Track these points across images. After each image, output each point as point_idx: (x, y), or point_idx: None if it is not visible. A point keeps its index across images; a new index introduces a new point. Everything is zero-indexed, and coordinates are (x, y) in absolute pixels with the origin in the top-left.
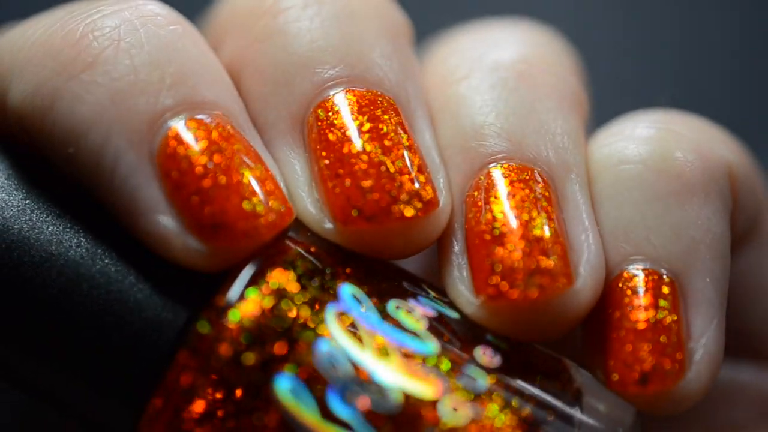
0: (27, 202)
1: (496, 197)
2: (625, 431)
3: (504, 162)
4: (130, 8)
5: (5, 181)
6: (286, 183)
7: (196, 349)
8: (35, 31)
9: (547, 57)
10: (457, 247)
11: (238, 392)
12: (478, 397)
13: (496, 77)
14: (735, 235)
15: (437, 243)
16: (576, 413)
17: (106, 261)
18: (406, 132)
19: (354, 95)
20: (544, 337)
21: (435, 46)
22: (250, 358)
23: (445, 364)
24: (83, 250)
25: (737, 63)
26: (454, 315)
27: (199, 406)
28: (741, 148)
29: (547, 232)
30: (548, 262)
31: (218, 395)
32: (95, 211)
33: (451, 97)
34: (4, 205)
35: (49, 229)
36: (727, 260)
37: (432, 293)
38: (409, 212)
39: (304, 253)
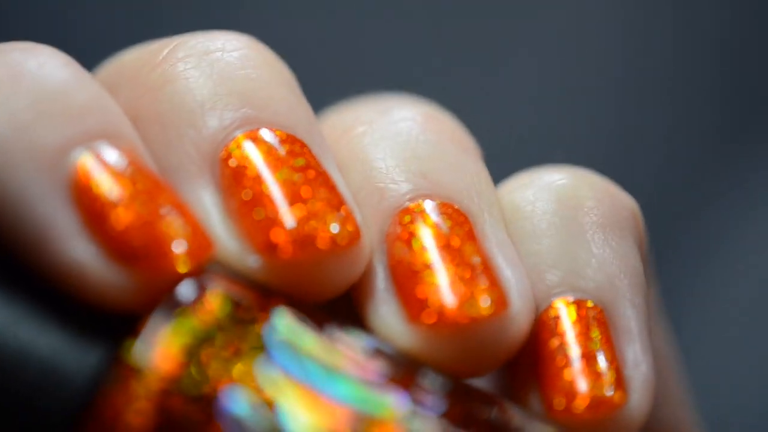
0: None
1: (421, 232)
2: None
3: (423, 199)
4: (26, 47)
5: None
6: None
7: (102, 414)
8: None
9: (444, 115)
10: (382, 284)
11: None
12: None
13: (400, 125)
14: None
15: (352, 288)
16: None
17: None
18: (323, 171)
19: (270, 131)
20: (483, 368)
21: (329, 114)
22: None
23: (399, 386)
24: None
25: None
26: (389, 349)
27: None
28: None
29: (476, 260)
30: (482, 288)
31: None
32: None
33: (356, 144)
34: None
35: None
36: (646, 292)
37: (354, 332)
38: (341, 241)
39: (228, 289)
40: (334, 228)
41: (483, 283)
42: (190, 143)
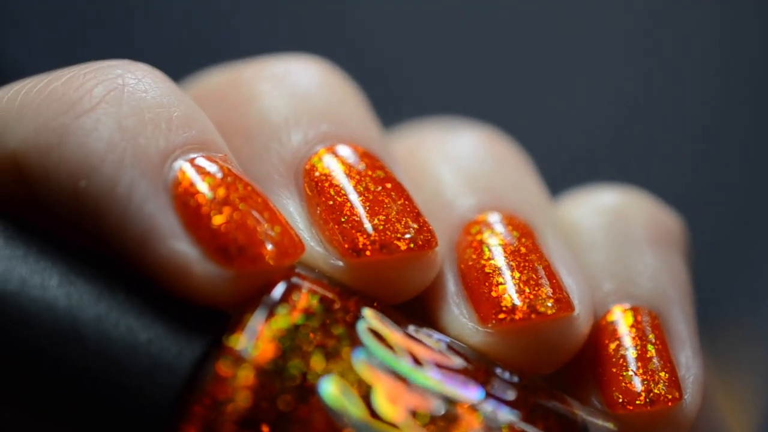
0: (23, 252)
1: (489, 240)
2: None
3: (489, 212)
4: (125, 64)
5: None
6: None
7: (207, 401)
8: (27, 85)
9: (504, 138)
10: (453, 288)
11: None
12: (512, 402)
13: (465, 146)
14: None
15: (423, 294)
16: None
17: (109, 309)
18: (399, 183)
19: (349, 147)
20: (548, 365)
21: (398, 134)
22: (262, 410)
23: (476, 378)
24: (82, 298)
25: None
26: (463, 346)
27: None
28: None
29: (540, 267)
30: (547, 292)
31: None
32: (91, 258)
33: (426, 162)
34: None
35: (45, 282)
36: (693, 300)
37: (431, 331)
38: (418, 245)
39: (318, 288)
40: (411, 233)
41: (548, 287)
42: (276, 155)
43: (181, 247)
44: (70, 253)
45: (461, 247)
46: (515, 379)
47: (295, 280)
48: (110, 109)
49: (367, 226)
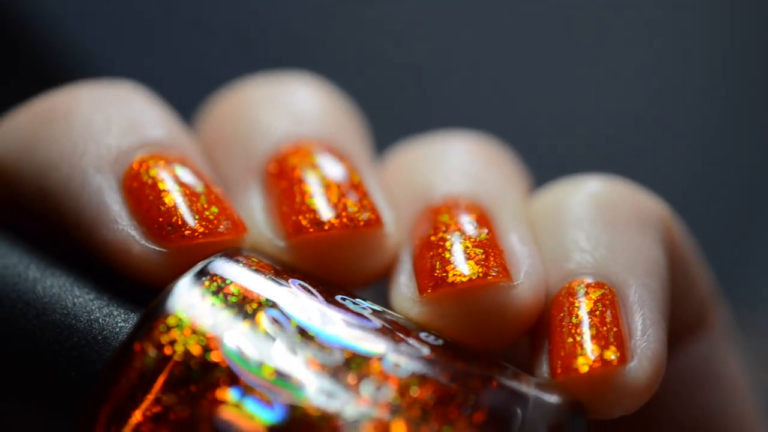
0: None
1: (439, 223)
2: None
3: (446, 199)
4: (102, 84)
5: None
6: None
7: (136, 357)
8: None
9: (494, 146)
10: (404, 265)
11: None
12: (422, 360)
13: (447, 150)
14: (682, 325)
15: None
16: (524, 387)
17: (53, 281)
18: (356, 172)
19: (308, 144)
20: (489, 340)
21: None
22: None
23: (389, 334)
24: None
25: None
26: (398, 316)
27: (138, 417)
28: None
29: (485, 240)
30: (485, 262)
31: (155, 409)
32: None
33: (407, 165)
34: None
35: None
36: (665, 282)
37: (368, 302)
38: (359, 223)
39: (255, 263)
40: (351, 212)
41: (487, 258)
42: (243, 156)
43: (124, 230)
44: (37, 245)
45: (416, 233)
46: (438, 340)
47: (230, 255)
48: (75, 118)
49: (314, 203)
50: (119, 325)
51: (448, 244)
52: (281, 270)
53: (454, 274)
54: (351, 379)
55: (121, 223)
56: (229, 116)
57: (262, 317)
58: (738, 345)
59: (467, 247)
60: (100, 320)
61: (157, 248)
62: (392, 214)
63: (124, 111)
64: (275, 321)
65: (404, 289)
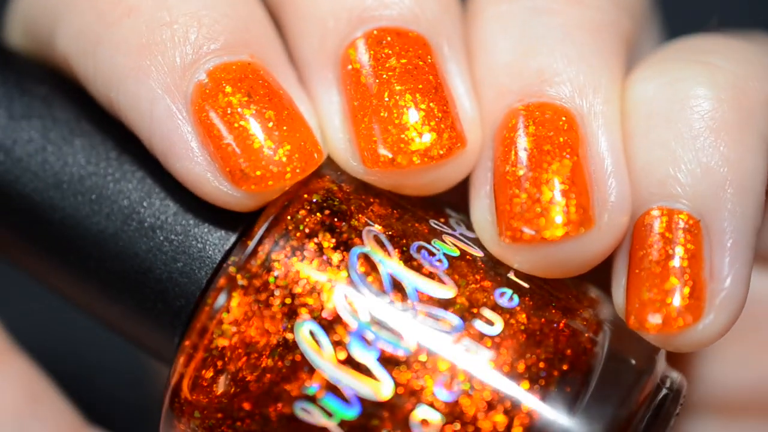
0: (86, 146)
1: (522, 139)
2: (646, 362)
3: (534, 100)
4: None
5: (70, 125)
6: (318, 120)
7: (226, 289)
8: None
9: (588, 9)
10: (486, 187)
11: (268, 327)
12: (493, 340)
13: (529, 10)
14: None
15: (469, 176)
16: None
17: (152, 201)
18: (436, 75)
19: (386, 32)
20: (565, 275)
21: None
22: (276, 302)
23: (461, 308)
24: (135, 194)
25: None
26: (478, 253)
27: (227, 340)
28: None
29: (568, 179)
30: (568, 208)
31: (248, 329)
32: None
33: (486, 30)
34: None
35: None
36: (759, 199)
37: (458, 229)
38: (434, 152)
39: (332, 195)
40: (428, 143)
41: (569, 202)
42: (318, 39)
43: (195, 168)
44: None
45: (498, 140)
46: (514, 303)
47: (302, 198)
48: (139, 20)
49: (391, 129)
50: (199, 253)
51: (528, 186)
52: (357, 212)
53: (535, 229)
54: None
55: (193, 159)
56: None
57: (337, 298)
58: None
59: (549, 193)
60: (182, 246)
61: (230, 191)
62: (475, 118)
63: (187, 1)
64: (347, 298)
65: (486, 226)
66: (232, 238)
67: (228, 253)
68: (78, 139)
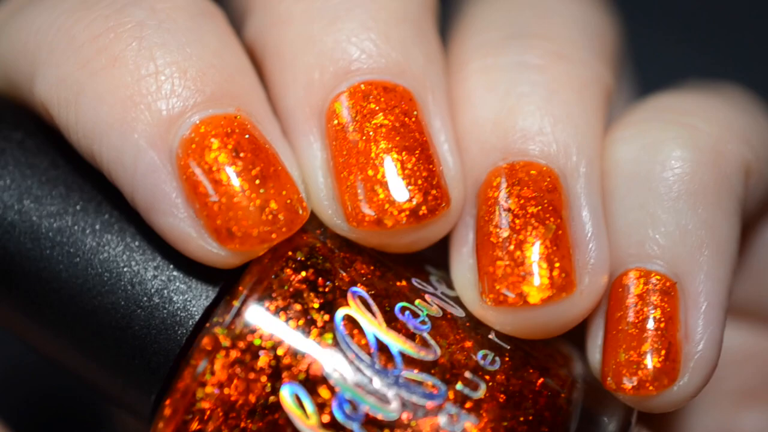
0: (64, 197)
1: (506, 200)
2: (619, 421)
3: (519, 159)
4: (149, 3)
5: (39, 178)
6: (302, 173)
7: (210, 350)
8: (59, 16)
9: (573, 37)
10: (468, 246)
11: (250, 393)
12: (475, 403)
13: (515, 65)
14: (752, 215)
15: (450, 233)
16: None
17: (132, 256)
18: (422, 132)
19: (372, 86)
20: (545, 337)
21: (466, 8)
22: (260, 364)
23: (444, 370)
24: (114, 249)
25: None
26: (459, 313)
27: (208, 404)
28: (763, 129)
29: (552, 243)
30: (551, 272)
31: (231, 391)
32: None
33: (471, 84)
34: (37, 203)
35: (79, 225)
36: (734, 261)
37: (439, 288)
38: (420, 213)
39: (316, 252)
40: (414, 202)
41: (552, 268)
42: (303, 91)
43: (180, 224)
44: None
45: (482, 199)
46: (495, 365)
47: (287, 255)
48: (123, 70)
49: (377, 189)
50: (180, 312)
51: (512, 249)
52: (341, 270)
53: (518, 293)
54: None
55: (177, 215)
56: (287, 19)
57: (322, 360)
58: None
59: (533, 257)
60: (163, 303)
61: (215, 249)
62: (458, 173)
63: (174, 50)
64: (334, 362)
65: (468, 287)
66: (214, 296)
67: (210, 311)
68: (55, 189)
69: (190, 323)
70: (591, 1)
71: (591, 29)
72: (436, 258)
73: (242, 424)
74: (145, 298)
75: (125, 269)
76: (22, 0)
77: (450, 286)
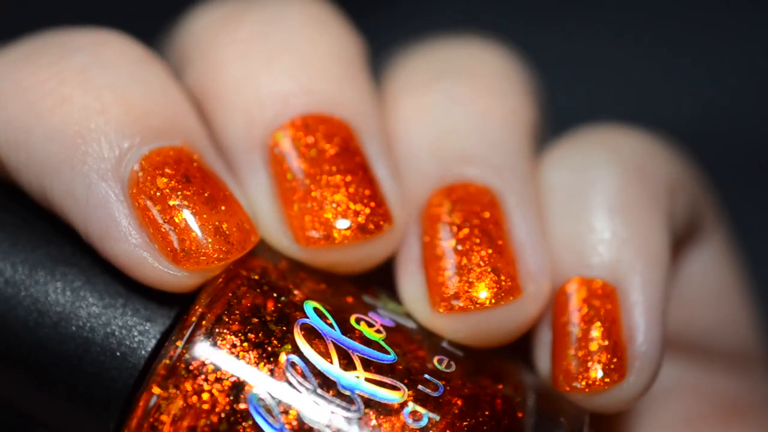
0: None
1: (448, 215)
2: (572, 425)
3: (456, 179)
4: (95, 44)
5: None
6: (249, 203)
7: (166, 375)
8: (5, 66)
9: (498, 75)
10: (414, 263)
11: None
12: (436, 401)
13: (446, 98)
14: (678, 237)
15: (393, 257)
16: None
17: (81, 294)
18: (362, 157)
19: (310, 118)
20: (494, 344)
21: (399, 58)
22: (217, 394)
23: (404, 373)
24: (59, 289)
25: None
26: (410, 325)
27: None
28: (681, 159)
29: (496, 251)
30: (498, 277)
31: (186, 422)
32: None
33: (405, 118)
34: None
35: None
36: (667, 269)
37: (389, 305)
38: (366, 228)
39: (268, 272)
40: (360, 218)
41: (499, 275)
42: (243, 127)
43: (134, 249)
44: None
45: (423, 218)
46: (451, 368)
47: (240, 275)
48: (72, 109)
49: (323, 212)
50: (136, 339)
51: (459, 258)
52: (294, 288)
53: (467, 296)
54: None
55: (131, 241)
56: (223, 62)
57: (284, 361)
58: (736, 259)
59: (479, 265)
60: (116, 333)
61: (170, 271)
62: (398, 200)
63: (119, 89)
64: (295, 366)
65: (417, 300)
66: (169, 323)
67: (164, 339)
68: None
69: (143, 353)
70: (510, 56)
71: (513, 73)
72: (380, 283)
73: None
74: (98, 329)
75: (77, 305)
76: None
77: (397, 303)
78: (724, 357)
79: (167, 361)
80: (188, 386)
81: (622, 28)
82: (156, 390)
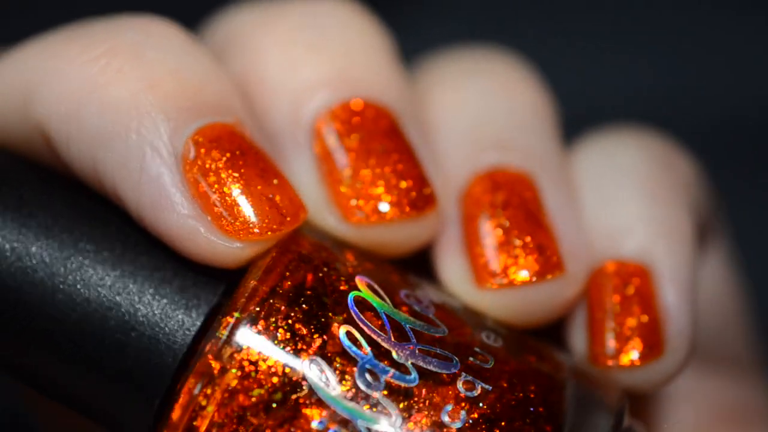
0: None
1: (489, 197)
2: (612, 402)
3: (495, 164)
4: (145, 23)
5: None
6: (295, 182)
7: (217, 351)
8: (51, 46)
9: (525, 81)
10: (455, 244)
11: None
12: (489, 372)
13: (480, 90)
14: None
15: (433, 241)
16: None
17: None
18: (406, 139)
19: (354, 104)
20: (537, 322)
21: (424, 63)
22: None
23: (455, 345)
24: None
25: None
26: (455, 304)
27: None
28: (695, 163)
29: (542, 232)
30: (544, 255)
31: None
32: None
33: (447, 105)
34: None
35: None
36: (695, 251)
37: (430, 285)
38: (413, 208)
39: (318, 248)
40: (406, 196)
41: (543, 251)
42: (288, 113)
43: (187, 220)
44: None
45: (465, 201)
46: (499, 342)
47: (291, 249)
48: (124, 83)
49: (371, 189)
50: (183, 316)
51: (503, 236)
52: (348, 266)
53: (512, 273)
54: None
55: (184, 213)
56: (266, 50)
57: (338, 332)
58: (735, 271)
59: (523, 242)
60: (165, 310)
61: (224, 243)
62: (438, 181)
63: (172, 65)
64: (350, 336)
65: (459, 277)
66: (216, 299)
67: (214, 314)
68: (35, 219)
69: (191, 330)
70: (525, 63)
71: (532, 76)
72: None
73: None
74: (142, 318)
75: (118, 292)
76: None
77: (437, 287)
78: (725, 364)
79: (220, 335)
80: (243, 358)
81: (622, 28)
82: (211, 363)
